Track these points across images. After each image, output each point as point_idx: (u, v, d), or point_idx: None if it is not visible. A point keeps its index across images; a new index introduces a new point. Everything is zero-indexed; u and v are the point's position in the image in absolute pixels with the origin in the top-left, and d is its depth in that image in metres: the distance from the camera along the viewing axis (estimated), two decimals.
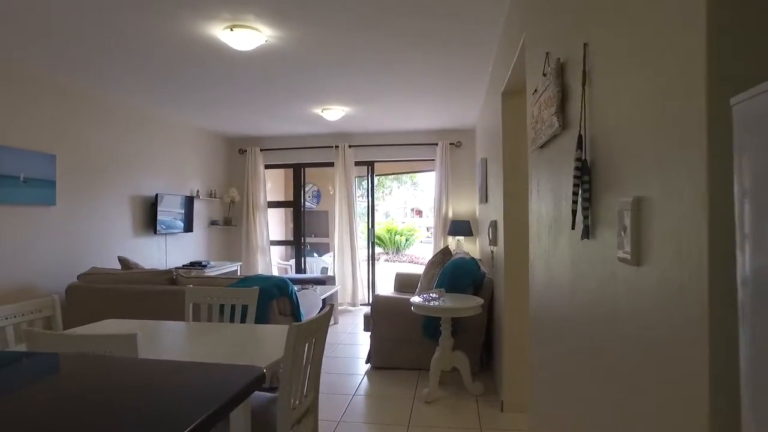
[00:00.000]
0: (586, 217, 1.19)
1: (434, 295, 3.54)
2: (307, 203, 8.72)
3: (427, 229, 14.57)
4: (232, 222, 7.02)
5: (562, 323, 1.55)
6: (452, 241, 6.45)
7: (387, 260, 13.95)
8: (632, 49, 0.92)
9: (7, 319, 2.16)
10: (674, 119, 0.74)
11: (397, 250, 14.64)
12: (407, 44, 3.40)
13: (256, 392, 2.20)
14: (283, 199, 9.38)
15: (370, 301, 5.72)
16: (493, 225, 3.57)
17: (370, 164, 6.96)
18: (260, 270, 6.91)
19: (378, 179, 14.49)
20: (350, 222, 6.78)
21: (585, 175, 1.18)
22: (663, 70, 0.79)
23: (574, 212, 1.23)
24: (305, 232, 7.51)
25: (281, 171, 9.30)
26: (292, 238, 7.78)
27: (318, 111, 5.38)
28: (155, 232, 5.30)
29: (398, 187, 17.52)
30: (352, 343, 4.93)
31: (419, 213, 16.94)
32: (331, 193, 7.12)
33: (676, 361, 0.74)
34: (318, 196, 10.49)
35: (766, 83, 0.48)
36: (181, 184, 5.98)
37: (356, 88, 4.56)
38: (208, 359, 2.00)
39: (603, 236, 1.11)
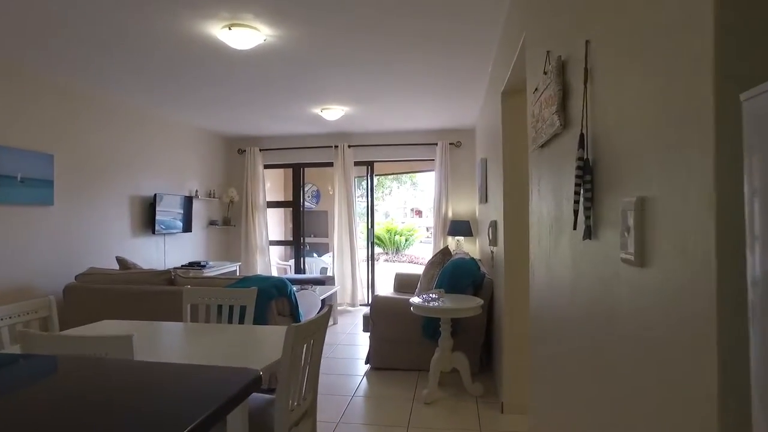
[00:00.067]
0: (587, 218, 1.17)
1: (434, 296, 3.52)
2: (306, 203, 8.71)
3: (427, 229, 14.55)
4: (231, 222, 7.00)
5: (563, 324, 1.53)
6: (452, 242, 6.44)
7: (386, 260, 13.94)
8: (636, 46, 0.90)
9: (2, 320, 2.14)
10: (680, 116, 0.72)
11: (397, 251, 14.63)
12: (407, 44, 3.39)
13: (254, 393, 2.18)
14: (282, 199, 9.36)
15: (370, 302, 5.70)
16: (493, 225, 3.55)
17: (369, 164, 6.94)
18: (259, 270, 6.89)
19: (378, 179, 14.49)
20: (350, 222, 6.76)
21: (587, 175, 1.17)
22: (668, 67, 0.77)
23: (575, 212, 1.21)
24: (304, 233, 7.49)
25: (280, 171, 9.29)
26: (291, 239, 7.76)
27: (317, 111, 5.36)
28: (154, 233, 5.28)
29: (398, 187, 17.51)
30: (351, 344, 4.91)
31: (419, 213, 16.93)
32: (331, 193, 7.10)
33: (680, 362, 0.73)
34: (317, 196, 10.48)
35: None
36: (180, 184, 5.96)
37: (355, 88, 4.54)
38: (205, 360, 1.98)
39: (605, 237, 1.09)
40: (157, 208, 5.27)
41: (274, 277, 3.92)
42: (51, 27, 3.03)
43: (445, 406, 3.27)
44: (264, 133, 6.82)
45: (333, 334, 5.20)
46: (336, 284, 6.38)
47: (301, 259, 7.40)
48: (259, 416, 2.06)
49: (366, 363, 4.09)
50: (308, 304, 4.58)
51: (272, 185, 9.13)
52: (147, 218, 5.28)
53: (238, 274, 6.35)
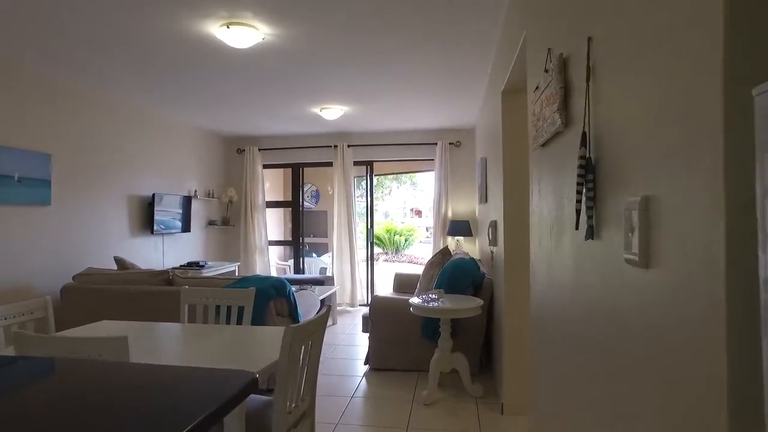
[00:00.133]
0: (590, 217, 1.15)
1: (433, 296, 3.50)
2: (305, 203, 8.68)
3: (427, 229, 14.54)
4: (230, 222, 6.98)
5: (564, 325, 1.51)
6: (452, 242, 6.42)
7: (386, 260, 13.92)
8: (641, 42, 0.88)
9: None
10: (687, 113, 0.70)
11: (397, 251, 14.61)
12: (406, 43, 3.37)
13: (252, 395, 2.16)
14: (281, 199, 9.34)
15: (369, 302, 5.68)
16: (493, 225, 3.53)
17: (369, 164, 6.92)
18: (258, 270, 6.86)
19: (377, 179, 14.47)
20: (349, 222, 6.74)
21: (589, 174, 1.15)
22: (675, 63, 0.75)
23: (577, 212, 1.19)
24: (304, 233, 7.47)
25: (280, 171, 9.25)
26: (290, 239, 7.73)
27: (316, 110, 5.34)
28: (152, 233, 5.25)
29: (397, 187, 17.49)
30: (350, 344, 4.89)
31: (418, 213, 16.91)
32: (330, 193, 7.08)
33: (687, 364, 0.71)
34: (317, 196, 10.45)
35: None
36: (179, 184, 5.94)
37: (355, 87, 4.52)
38: (202, 362, 1.96)
39: (608, 237, 1.07)
40: (156, 208, 5.25)
41: (272, 278, 3.90)
42: (49, 27, 3.01)
43: (445, 407, 3.24)
44: (263, 133, 6.80)
45: (332, 335, 5.18)
46: (335, 284, 6.36)
47: (301, 259, 7.38)
48: (257, 418, 2.04)
49: (365, 364, 4.07)
50: (307, 304, 4.56)
51: (271, 185, 9.11)
52: (145, 218, 5.25)
53: (237, 274, 6.33)
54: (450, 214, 6.51)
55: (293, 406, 1.89)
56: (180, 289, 2.82)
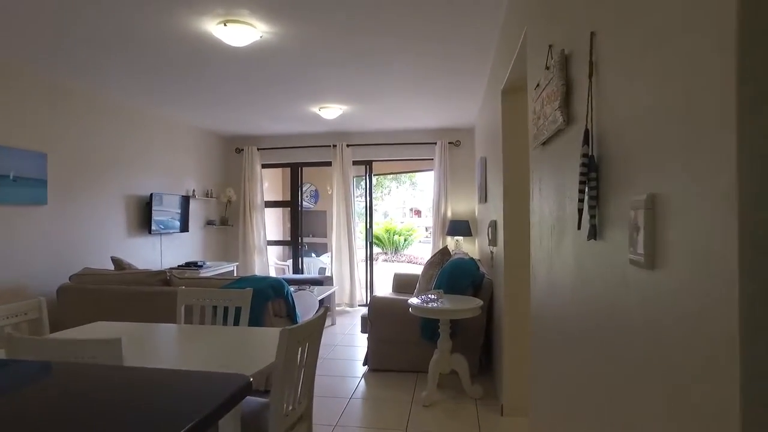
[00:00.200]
0: (593, 217, 1.13)
1: (432, 297, 3.47)
2: (304, 203, 8.65)
3: (426, 229, 14.52)
4: (229, 222, 6.94)
5: (565, 327, 1.48)
6: (451, 242, 6.39)
7: (385, 260, 13.90)
8: (646, 36, 0.85)
9: None
10: (699, 108, 0.67)
11: (396, 250, 14.58)
12: (405, 41, 3.34)
13: (248, 397, 2.13)
14: (280, 199, 9.31)
15: (368, 302, 5.65)
16: (493, 225, 3.50)
17: (368, 163, 6.89)
18: (257, 270, 6.83)
19: (377, 179, 14.45)
20: (348, 222, 6.71)
21: (592, 172, 1.12)
22: (684, 56, 0.72)
23: (580, 211, 1.16)
24: (303, 232, 7.44)
25: (278, 170, 9.23)
26: (289, 239, 7.70)
27: (315, 109, 5.31)
28: (150, 232, 5.22)
29: (397, 187, 17.47)
30: (349, 345, 4.86)
31: (418, 213, 16.89)
32: (329, 192, 7.04)
33: (694, 368, 0.68)
34: (316, 196, 10.42)
35: None
36: (177, 184, 5.90)
37: (353, 86, 4.49)
38: (197, 364, 1.93)
39: (612, 237, 1.04)
40: (154, 208, 5.21)
41: (270, 278, 3.87)
42: (45, 26, 2.98)
43: (444, 409, 3.22)
44: (262, 132, 6.76)
45: (331, 335, 5.16)
46: (334, 284, 6.33)
47: (299, 259, 7.35)
48: (254, 420, 2.01)
49: (364, 364, 4.05)
50: (306, 305, 4.53)
51: (270, 185, 9.07)
52: (143, 218, 5.22)
53: (235, 274, 6.30)
54: (449, 213, 6.48)
55: (290, 408, 1.87)
56: (177, 289, 2.79)
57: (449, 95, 4.81)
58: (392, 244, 14.57)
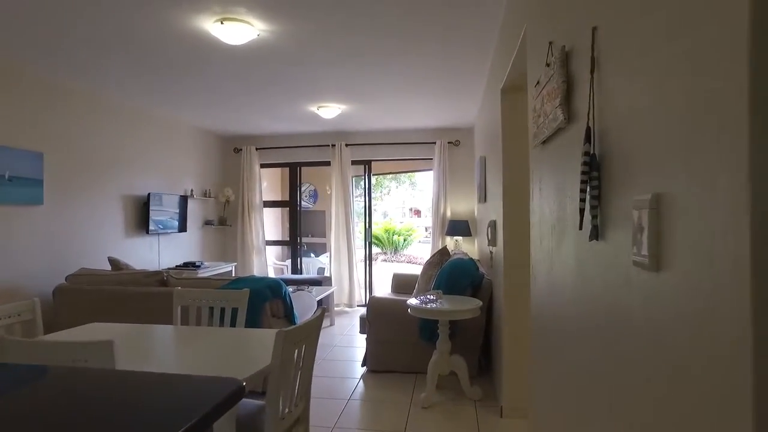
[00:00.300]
0: (594, 217, 1.10)
1: (431, 297, 3.44)
2: (303, 203, 8.62)
3: (426, 229, 14.49)
4: (227, 222, 6.91)
5: (566, 329, 1.46)
6: (450, 242, 6.36)
7: (385, 260, 13.88)
8: (654, 29, 0.82)
9: None
10: (705, 104, 0.64)
11: (395, 250, 14.56)
12: (404, 40, 3.31)
13: (244, 399, 2.10)
14: (279, 199, 9.28)
15: (367, 303, 5.62)
16: (492, 225, 3.47)
17: (367, 163, 6.86)
18: (256, 270, 6.80)
19: (376, 179, 14.44)
20: (347, 222, 6.68)
21: (593, 171, 1.09)
22: (691, 50, 0.69)
23: (581, 211, 1.14)
24: (302, 232, 7.41)
25: (277, 170, 9.20)
26: (288, 239, 7.68)
27: (314, 109, 5.28)
28: (148, 233, 5.19)
29: (396, 187, 17.45)
30: (348, 346, 4.83)
31: (417, 213, 16.87)
32: (328, 192, 7.01)
33: (702, 373, 0.65)
34: (315, 196, 10.39)
35: None
36: (175, 184, 5.87)
37: (352, 85, 4.46)
38: (192, 366, 1.91)
39: (614, 237, 1.02)
40: (151, 208, 5.18)
41: (268, 278, 3.84)
42: (41, 24, 2.94)
43: (443, 411, 3.19)
44: (260, 132, 6.73)
45: (329, 336, 5.13)
46: (333, 285, 6.30)
47: (298, 259, 7.32)
48: (250, 422, 1.98)
49: (362, 365, 4.02)
50: (304, 305, 4.50)
51: (269, 184, 9.04)
52: (140, 218, 5.19)
53: (234, 274, 6.27)
54: (449, 213, 6.45)
55: (286, 411, 1.84)
56: (173, 290, 2.76)
57: (448, 95, 4.79)
58: (392, 244, 14.54)
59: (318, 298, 5.09)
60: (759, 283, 0.53)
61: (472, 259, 4.21)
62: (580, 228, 1.18)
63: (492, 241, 3.50)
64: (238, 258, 6.79)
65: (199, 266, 5.54)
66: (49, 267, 4.06)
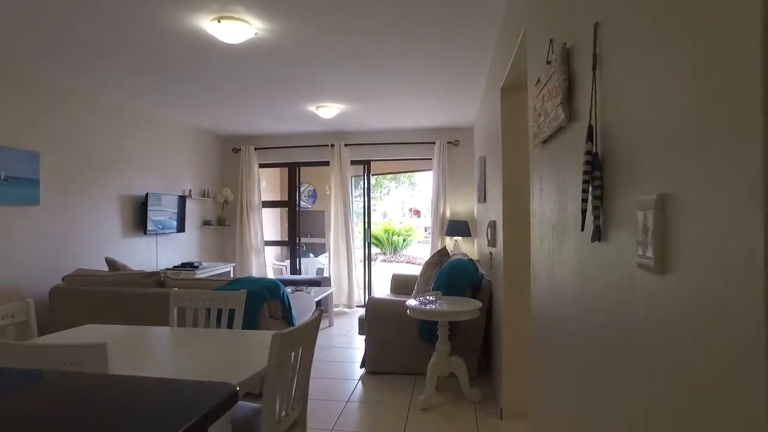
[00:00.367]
0: (596, 217, 1.07)
1: (431, 298, 3.42)
2: (302, 203, 8.60)
3: (425, 230, 14.47)
4: (226, 222, 6.88)
5: (568, 331, 1.43)
6: (450, 242, 6.34)
7: (384, 260, 13.85)
8: (659, 23, 0.80)
9: None
10: (716, 98, 0.62)
11: (395, 251, 14.53)
12: (404, 40, 3.28)
13: (240, 402, 2.07)
14: (278, 199, 9.26)
15: (365, 304, 5.59)
16: (492, 225, 3.45)
17: (366, 163, 6.83)
18: (254, 271, 6.77)
19: (376, 179, 14.42)
20: (346, 222, 6.65)
21: (596, 171, 1.06)
22: (700, 45, 0.66)
23: (583, 212, 1.11)
24: (301, 233, 7.38)
25: (276, 170, 9.17)
26: (287, 239, 7.65)
27: (312, 108, 5.25)
28: (146, 233, 5.16)
29: (396, 187, 17.43)
30: (346, 347, 4.81)
31: (417, 213, 16.85)
32: (327, 192, 6.98)
33: (708, 374, 0.62)
34: (314, 196, 10.36)
35: None
36: (173, 184, 5.84)
37: (351, 85, 4.44)
38: (187, 369, 1.88)
39: (617, 239, 0.99)
40: (149, 208, 5.15)
41: (266, 279, 3.81)
42: (36, 23, 2.92)
43: (443, 412, 3.16)
44: (259, 132, 6.71)
45: (328, 337, 5.10)
46: (332, 285, 6.27)
47: (297, 259, 7.29)
48: (246, 426, 1.95)
49: (361, 367, 3.99)
50: (302, 306, 4.47)
51: (268, 185, 9.02)
52: (138, 218, 5.16)
53: (232, 275, 6.24)
54: (448, 214, 6.43)
55: (283, 414, 1.81)
56: (170, 291, 2.73)
57: (448, 94, 4.76)
58: (391, 245, 14.52)
59: (317, 299, 5.07)
60: None
61: (471, 259, 4.18)
62: (582, 229, 1.15)
63: (492, 242, 3.47)
64: (236, 258, 6.76)
65: (197, 267, 5.51)
66: (46, 267, 4.03)
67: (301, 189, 8.13)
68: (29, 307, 2.30)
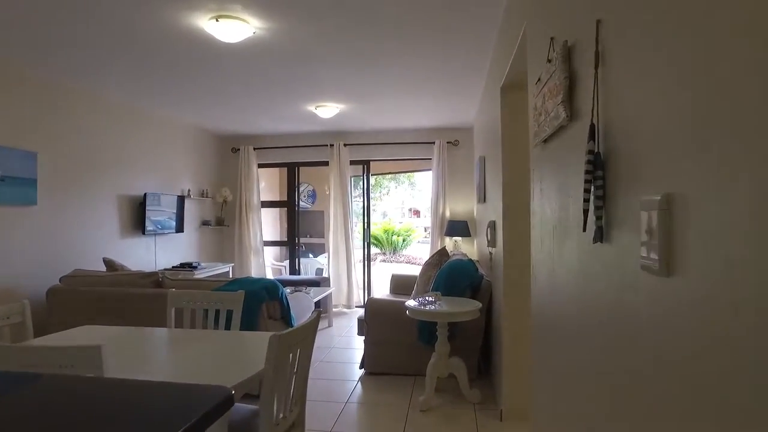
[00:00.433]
0: (599, 218, 1.05)
1: (430, 299, 3.40)
2: (302, 203, 8.58)
3: (425, 230, 14.45)
4: (225, 222, 6.86)
5: (569, 333, 1.41)
6: (449, 242, 6.31)
7: (384, 261, 13.83)
8: (664, 18, 0.78)
9: None
10: (725, 94, 0.60)
11: (394, 251, 14.51)
12: (403, 40, 3.26)
13: (237, 404, 2.05)
14: (277, 199, 9.24)
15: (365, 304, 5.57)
16: (492, 225, 3.43)
17: (365, 163, 6.81)
18: (253, 271, 6.75)
19: (375, 179, 14.40)
20: (345, 222, 6.63)
21: (598, 170, 1.04)
22: (706, 40, 0.64)
23: (585, 212, 1.09)
24: (300, 233, 7.36)
25: (275, 170, 9.15)
26: (286, 239, 7.63)
27: (312, 108, 5.23)
28: (144, 233, 5.14)
29: (396, 187, 17.42)
30: (345, 347, 4.79)
31: (417, 213, 16.83)
32: (327, 192, 6.96)
33: (714, 377, 0.61)
34: (313, 196, 10.34)
35: None
36: (172, 184, 5.82)
37: (350, 84, 4.41)
38: (183, 371, 1.86)
39: (620, 240, 0.97)
40: (148, 208, 5.13)
41: (264, 279, 3.79)
42: (33, 21, 2.89)
43: (442, 414, 3.14)
44: (258, 132, 6.68)
45: (327, 337, 5.08)
46: (331, 285, 6.25)
47: (296, 260, 7.27)
48: (244, 428, 1.93)
49: (360, 368, 3.97)
50: (301, 306, 4.45)
51: (267, 185, 8.99)
52: (137, 218, 5.13)
53: (231, 275, 6.22)
54: (448, 214, 6.40)
55: (281, 416, 1.79)
56: (167, 291, 2.71)
57: (447, 94, 4.74)
58: (391, 245, 14.50)
59: (316, 299, 5.04)
60: None
61: (471, 259, 4.16)
62: (584, 229, 1.13)
63: (491, 242, 3.45)
64: (235, 259, 6.74)
65: (196, 267, 5.49)
66: (43, 268, 4.01)
67: (301, 189, 8.11)
68: (25, 308, 2.28)
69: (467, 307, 3.22)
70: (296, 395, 1.93)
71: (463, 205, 6.42)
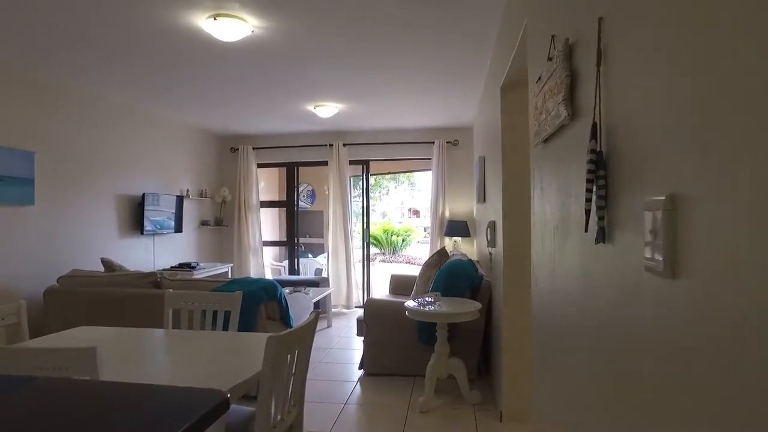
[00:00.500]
0: (601, 218, 1.03)
1: (429, 299, 3.38)
2: (301, 203, 8.56)
3: (425, 230, 14.44)
4: (224, 222, 6.84)
5: (570, 335, 1.39)
6: (449, 242, 6.30)
7: (383, 261, 13.81)
8: (669, 14, 0.76)
9: None
10: (732, 92, 0.58)
11: (394, 251, 14.50)
12: (403, 39, 3.24)
13: (235, 406, 2.03)
14: (276, 199, 9.22)
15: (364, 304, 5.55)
16: (492, 226, 3.41)
17: (365, 163, 6.79)
18: (252, 271, 6.73)
19: (375, 179, 14.38)
20: (345, 222, 6.61)
21: (600, 170, 1.03)
22: (712, 37, 0.63)
23: (587, 212, 1.07)
24: (299, 233, 7.34)
25: (275, 170, 9.13)
26: (285, 239, 7.61)
27: (311, 108, 5.21)
28: (142, 233, 5.12)
29: (395, 187, 17.41)
30: (345, 348, 4.77)
31: (416, 213, 16.83)
32: (326, 192, 6.94)
33: (719, 379, 0.59)
34: (313, 196, 10.32)
35: None
36: (170, 184, 5.80)
37: (349, 84, 4.40)
38: (180, 372, 1.84)
39: (623, 240, 0.95)
40: (146, 208, 5.11)
41: (263, 280, 3.77)
42: (29, 21, 2.87)
43: (442, 415, 3.12)
44: (257, 131, 6.66)
45: (327, 338, 5.06)
46: (330, 286, 6.23)
47: (296, 260, 7.25)
48: (242, 430, 1.92)
49: (360, 368, 3.95)
50: (300, 307, 4.43)
51: (266, 184, 8.97)
52: (135, 218, 5.11)
53: (230, 275, 6.20)
54: (447, 214, 6.39)
55: (279, 418, 1.77)
56: (165, 292, 2.69)
57: (447, 94, 4.72)
58: (390, 245, 14.48)
59: (315, 300, 5.03)
60: None
61: (471, 260, 4.14)
62: (586, 230, 1.11)
63: (491, 242, 3.43)
64: (234, 259, 6.72)
65: (194, 267, 5.47)
66: (41, 268, 3.99)
67: (300, 189, 8.09)
68: (20, 309, 2.26)
69: (467, 308, 3.21)
70: (294, 397, 1.91)
71: (462, 205, 6.40)
